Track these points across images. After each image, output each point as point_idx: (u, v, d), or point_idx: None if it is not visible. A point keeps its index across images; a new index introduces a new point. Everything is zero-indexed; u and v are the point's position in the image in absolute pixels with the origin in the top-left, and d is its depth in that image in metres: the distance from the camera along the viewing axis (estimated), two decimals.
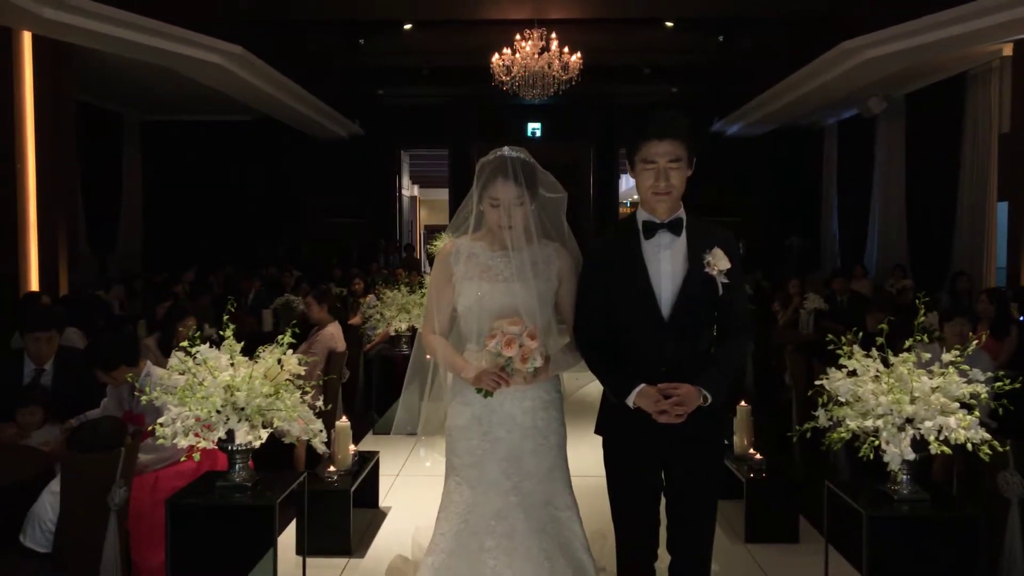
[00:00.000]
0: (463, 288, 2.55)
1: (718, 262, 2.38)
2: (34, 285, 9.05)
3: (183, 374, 2.69)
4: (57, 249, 9.46)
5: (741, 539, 4.05)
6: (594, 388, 2.59)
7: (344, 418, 4.13)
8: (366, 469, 4.16)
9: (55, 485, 3.04)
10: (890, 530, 2.55)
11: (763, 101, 13.14)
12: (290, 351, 2.82)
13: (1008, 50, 9.64)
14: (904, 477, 2.62)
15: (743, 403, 4.42)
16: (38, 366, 4.01)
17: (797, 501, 4.05)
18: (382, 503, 4.57)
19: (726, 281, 2.39)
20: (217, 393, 2.63)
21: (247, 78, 10.72)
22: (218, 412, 2.64)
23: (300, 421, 2.81)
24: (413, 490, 4.80)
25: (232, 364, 2.77)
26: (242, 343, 2.80)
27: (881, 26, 8.99)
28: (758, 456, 4.21)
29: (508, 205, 2.48)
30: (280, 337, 2.86)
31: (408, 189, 18.67)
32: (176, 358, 2.74)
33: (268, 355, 2.79)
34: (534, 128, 16.36)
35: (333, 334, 5.67)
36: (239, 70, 10.39)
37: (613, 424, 2.47)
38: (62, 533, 2.96)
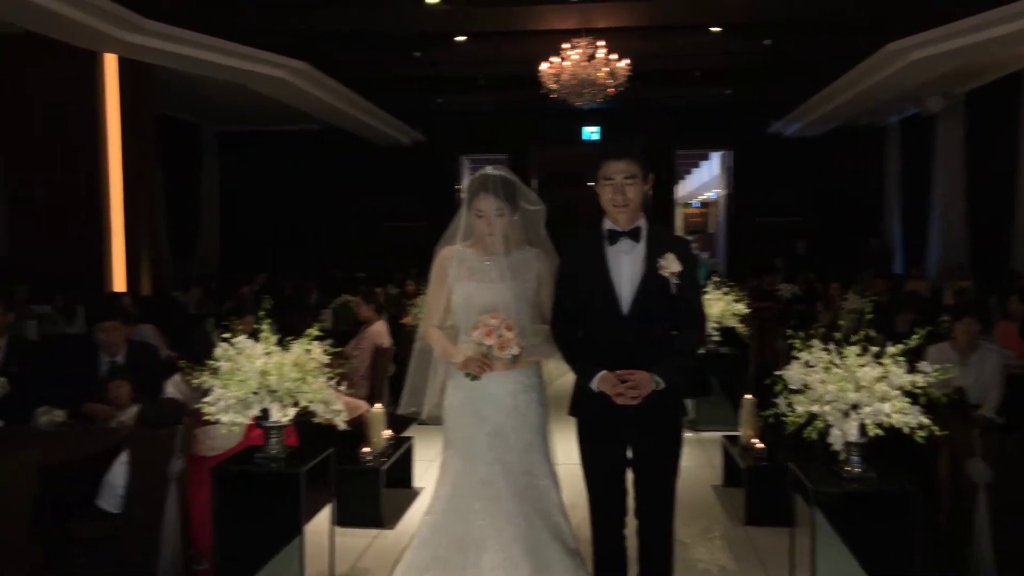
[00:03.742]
0: (456, 288, 2.98)
1: (670, 265, 2.74)
2: (120, 288, 9.87)
3: (227, 361, 3.18)
4: (140, 254, 10.27)
5: (741, 522, 4.35)
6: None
7: (378, 405, 4.59)
8: (399, 452, 4.62)
9: (125, 456, 3.57)
10: (835, 505, 2.85)
11: (817, 102, 13.18)
12: (316, 342, 3.27)
13: None
14: (854, 458, 2.90)
15: (748, 396, 4.72)
16: (111, 357, 4.59)
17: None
18: (416, 484, 5.01)
19: (678, 282, 2.75)
20: (253, 377, 3.11)
21: (312, 91, 11.40)
22: (254, 394, 3.12)
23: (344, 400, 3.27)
24: None
25: (268, 353, 3.24)
26: (267, 333, 3.25)
27: (929, 26, 9.02)
28: (760, 446, 4.50)
29: (490, 216, 2.90)
30: (308, 331, 3.33)
31: None
32: (220, 348, 3.23)
33: (298, 345, 3.25)
34: (591, 132, 16.66)
35: (379, 331, 6.16)
36: (304, 84, 11.08)
37: (583, 406, 2.86)
38: (130, 497, 3.49)
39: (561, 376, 3.07)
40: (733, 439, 4.84)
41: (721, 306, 6.31)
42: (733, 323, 6.33)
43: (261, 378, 3.12)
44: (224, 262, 15.73)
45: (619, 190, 2.74)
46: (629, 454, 2.88)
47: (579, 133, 16.52)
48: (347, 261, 14.99)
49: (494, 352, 2.79)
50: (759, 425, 4.60)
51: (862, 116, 14.13)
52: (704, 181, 24.12)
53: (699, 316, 2.85)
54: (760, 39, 11.09)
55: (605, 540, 2.90)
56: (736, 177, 17.13)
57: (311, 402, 3.18)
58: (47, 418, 3.99)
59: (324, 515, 4.33)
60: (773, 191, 16.29)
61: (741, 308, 6.37)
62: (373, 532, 4.23)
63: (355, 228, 16.50)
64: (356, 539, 4.13)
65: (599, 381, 2.71)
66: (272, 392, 3.14)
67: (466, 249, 3.02)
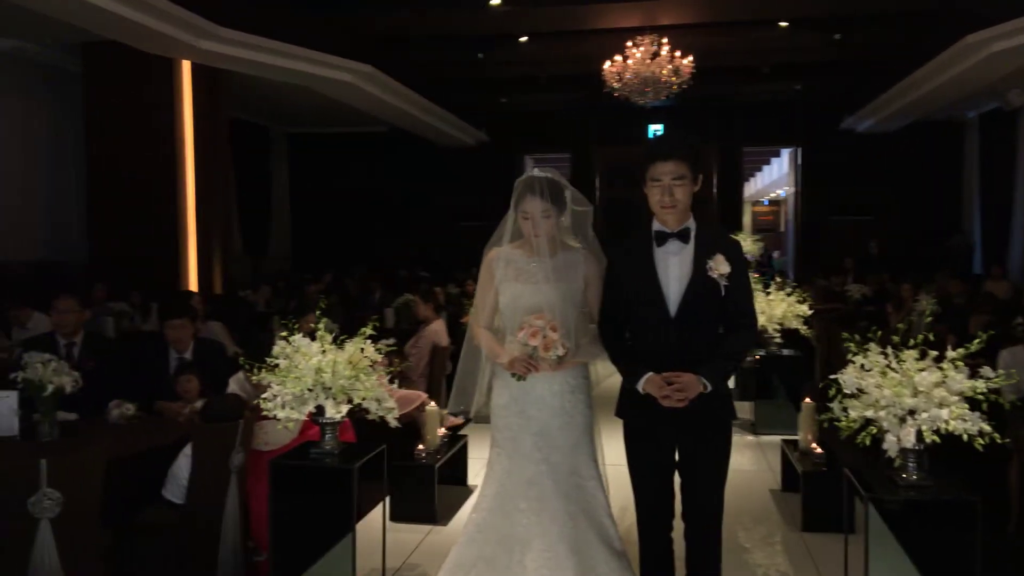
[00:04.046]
0: (503, 289, 3.00)
1: (719, 266, 2.71)
2: (193, 286, 10.22)
3: (284, 359, 3.27)
4: (212, 253, 10.62)
5: (798, 528, 4.26)
6: None
7: (432, 403, 4.65)
8: (453, 449, 4.67)
9: (189, 449, 3.70)
10: (890, 513, 2.76)
11: (890, 97, 12.78)
12: (369, 341, 3.34)
13: None
14: (911, 465, 2.82)
15: (808, 400, 4.62)
16: (179, 354, 4.76)
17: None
18: (471, 481, 5.06)
19: (727, 284, 2.71)
20: (309, 374, 3.19)
21: (377, 93, 11.60)
22: (309, 390, 3.21)
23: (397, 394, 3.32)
24: None
25: (324, 352, 3.32)
26: (322, 331, 3.33)
27: (1010, 16, 8.66)
28: (819, 451, 4.40)
29: (536, 217, 2.91)
30: (362, 330, 3.40)
31: None
32: (278, 346, 3.32)
33: (351, 345, 3.33)
34: (655, 130, 16.50)
35: (437, 330, 6.24)
36: (369, 86, 11.28)
37: (630, 408, 2.84)
38: (193, 488, 3.61)
39: (610, 377, 3.07)
40: (793, 443, 4.75)
41: (783, 307, 6.18)
42: (796, 325, 6.20)
43: (316, 375, 3.20)
44: (295, 261, 16.15)
45: (667, 191, 2.72)
46: (677, 457, 2.85)
47: (643, 131, 16.38)
48: (412, 260, 15.20)
49: (539, 353, 2.80)
50: (818, 429, 4.50)
51: (939, 111, 13.64)
52: (774, 178, 23.65)
53: (749, 318, 2.80)
54: (830, 33, 10.81)
55: (652, 543, 2.88)
56: (806, 174, 16.75)
57: (364, 399, 3.24)
58: (118, 411, 4.17)
59: (380, 510, 4.44)
60: (845, 189, 15.88)
61: (804, 309, 6.23)
62: (427, 528, 4.29)
63: (420, 228, 16.72)
64: (410, 535, 4.20)
65: (645, 383, 2.70)
66: (327, 389, 3.21)
67: (514, 250, 3.04)
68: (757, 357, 6.64)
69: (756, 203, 26.95)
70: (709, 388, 2.67)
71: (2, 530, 2.97)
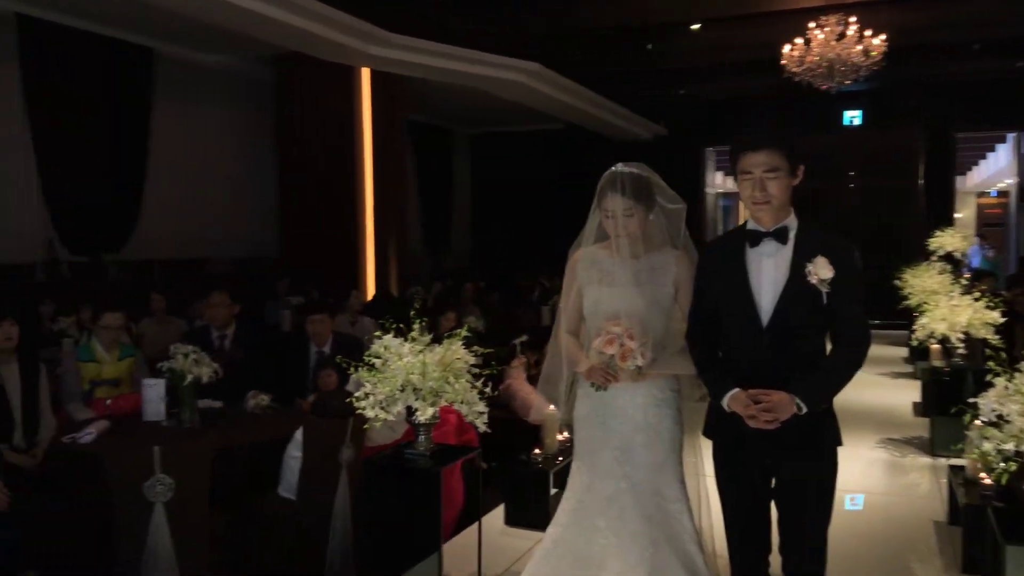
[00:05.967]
0: (587, 292, 2.81)
1: (819, 271, 2.36)
2: (370, 283, 10.75)
3: (378, 358, 3.28)
4: (389, 250, 11.10)
5: (958, 568, 3.70)
6: None
7: (552, 407, 4.51)
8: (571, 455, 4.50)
9: (294, 449, 3.78)
10: None
11: None
12: (460, 343, 3.27)
13: None
14: None
15: (977, 422, 4.01)
16: (319, 348, 4.96)
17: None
18: None
19: (828, 290, 2.36)
20: (399, 375, 3.17)
21: (547, 91, 11.57)
22: (400, 391, 3.19)
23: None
24: None
25: (420, 351, 3.29)
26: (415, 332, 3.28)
27: None
28: (987, 481, 3.80)
29: (617, 216, 2.69)
30: (458, 331, 3.34)
31: (714, 187, 18.43)
32: (375, 345, 3.33)
33: (443, 346, 3.27)
34: (852, 116, 15.24)
35: None
36: (539, 84, 11.28)
37: (718, 427, 2.55)
38: (304, 481, 3.72)
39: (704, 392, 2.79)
40: (960, 470, 4.14)
41: (969, 313, 5.44)
42: (984, 334, 5.43)
43: (405, 376, 3.17)
44: (475, 258, 16.57)
45: (758, 185, 2.41)
46: (774, 483, 2.53)
47: (839, 118, 15.19)
48: None
49: (616, 362, 2.59)
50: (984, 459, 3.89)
51: None
52: (1000, 167, 21.21)
53: (857, 331, 2.41)
54: None
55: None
56: None
57: (452, 402, 3.18)
58: (254, 401, 4.41)
59: (497, 514, 4.39)
60: None
61: (994, 316, 5.44)
62: (539, 535, 4.15)
63: None
64: (521, 540, 4.09)
65: (730, 400, 2.41)
66: (416, 390, 3.18)
67: (599, 251, 2.84)
68: (947, 369, 5.93)
69: (982, 194, 24.27)
70: (804, 409, 2.34)
71: (123, 513, 3.19)
